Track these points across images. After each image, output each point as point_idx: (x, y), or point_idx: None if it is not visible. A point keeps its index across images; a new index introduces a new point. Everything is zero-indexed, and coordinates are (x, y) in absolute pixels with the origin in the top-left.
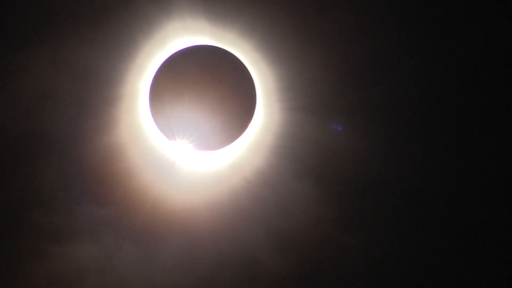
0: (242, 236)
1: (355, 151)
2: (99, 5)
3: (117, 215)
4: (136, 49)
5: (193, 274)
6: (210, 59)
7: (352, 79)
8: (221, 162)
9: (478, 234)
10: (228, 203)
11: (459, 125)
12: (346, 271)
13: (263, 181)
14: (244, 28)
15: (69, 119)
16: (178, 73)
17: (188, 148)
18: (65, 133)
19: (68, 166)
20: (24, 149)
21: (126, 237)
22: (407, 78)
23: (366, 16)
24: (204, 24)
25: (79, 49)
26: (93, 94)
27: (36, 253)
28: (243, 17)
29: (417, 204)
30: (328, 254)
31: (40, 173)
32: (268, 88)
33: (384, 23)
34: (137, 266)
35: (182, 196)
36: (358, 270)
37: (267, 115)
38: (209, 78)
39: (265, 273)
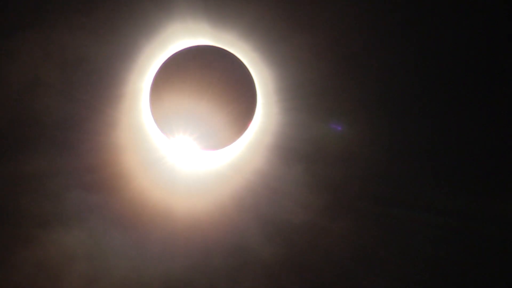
0: (232, 223)
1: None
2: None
3: (106, 202)
4: (137, 50)
5: (182, 261)
6: (210, 59)
7: (352, 79)
8: (220, 162)
9: (464, 219)
10: (219, 191)
11: (448, 114)
12: (335, 257)
13: (257, 171)
14: (244, 29)
15: (59, 106)
16: (179, 73)
17: (189, 148)
18: (54, 120)
19: (57, 153)
20: (12, 135)
21: (115, 223)
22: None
23: (369, 14)
24: (205, 26)
25: (70, 37)
26: (93, 92)
27: (24, 239)
28: (243, 18)
29: (406, 191)
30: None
31: (29, 160)
32: (268, 89)
33: (385, 22)
34: (126, 252)
35: (174, 190)
36: (347, 256)
37: (266, 115)
38: (210, 78)
39: (255, 260)
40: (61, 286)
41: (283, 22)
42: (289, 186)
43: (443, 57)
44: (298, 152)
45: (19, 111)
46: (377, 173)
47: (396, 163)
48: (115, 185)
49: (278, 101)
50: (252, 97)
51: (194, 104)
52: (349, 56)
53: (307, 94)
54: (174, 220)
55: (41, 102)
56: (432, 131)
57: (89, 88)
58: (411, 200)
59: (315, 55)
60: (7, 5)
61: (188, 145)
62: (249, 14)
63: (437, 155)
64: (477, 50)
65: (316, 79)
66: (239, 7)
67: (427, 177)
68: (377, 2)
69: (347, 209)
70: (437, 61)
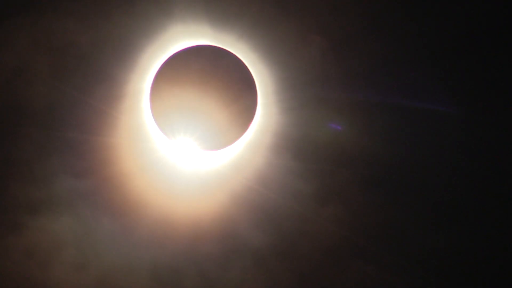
0: (221, 210)
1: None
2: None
3: (95, 188)
4: (138, 51)
5: (171, 247)
6: (211, 59)
7: (351, 79)
8: (219, 162)
9: (455, 202)
10: (211, 181)
11: (436, 99)
12: (325, 243)
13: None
14: (243, 30)
15: (48, 92)
16: (179, 73)
17: (190, 148)
18: (43, 106)
19: (46, 139)
20: (1, 121)
21: (104, 210)
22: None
23: (368, 16)
24: (206, 27)
25: (60, 24)
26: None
27: (13, 226)
28: (243, 19)
29: (394, 176)
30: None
31: (17, 146)
32: (267, 89)
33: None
34: (114, 239)
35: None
36: (336, 242)
37: (265, 115)
38: (210, 78)
39: (244, 247)
40: (50, 272)
41: (283, 22)
42: (281, 176)
43: (433, 44)
44: (295, 147)
45: (7, 97)
46: (366, 159)
47: (387, 148)
48: (104, 170)
49: (277, 101)
50: (253, 98)
51: (194, 105)
52: (349, 56)
53: (305, 94)
54: (173, 219)
55: (30, 88)
56: (422, 114)
57: (77, 74)
58: (399, 186)
59: (314, 56)
60: None
61: (189, 145)
62: (249, 14)
63: (425, 138)
64: (474, 42)
65: (315, 79)
66: (239, 9)
67: (416, 163)
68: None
69: (336, 196)
70: (428, 48)
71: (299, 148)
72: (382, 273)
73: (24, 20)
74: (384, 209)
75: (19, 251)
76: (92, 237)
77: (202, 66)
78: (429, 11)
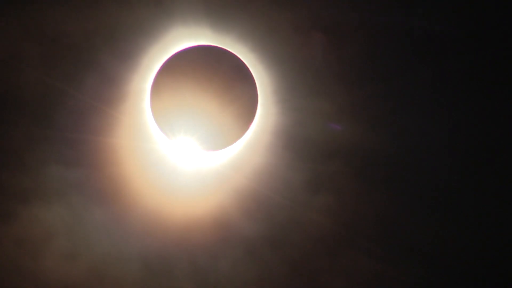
0: (212, 199)
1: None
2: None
3: (86, 177)
4: (140, 52)
5: (162, 237)
6: (211, 59)
7: (350, 80)
8: (219, 162)
9: (447, 192)
10: (207, 176)
11: (428, 88)
12: (315, 233)
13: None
14: (242, 31)
15: (39, 81)
16: (179, 73)
17: (190, 148)
18: (33, 95)
19: (37, 127)
20: None
21: (95, 199)
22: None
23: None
24: (206, 29)
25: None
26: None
27: (3, 215)
28: (242, 21)
29: (386, 165)
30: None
31: (8, 135)
32: (266, 89)
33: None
34: (106, 228)
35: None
36: (327, 232)
37: (264, 115)
38: (210, 78)
39: (235, 236)
40: (41, 262)
41: (282, 23)
42: (274, 167)
43: (425, 32)
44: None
45: None
46: (357, 149)
47: (377, 137)
48: (96, 159)
49: (276, 101)
50: (253, 98)
51: (195, 105)
52: (347, 58)
53: (303, 94)
54: (165, 210)
55: (20, 77)
56: (414, 104)
57: (71, 66)
58: (392, 175)
59: (315, 55)
60: None
61: (189, 145)
62: (248, 15)
63: (418, 129)
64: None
65: (313, 79)
66: (238, 10)
67: (408, 154)
68: None
69: (327, 186)
70: (420, 36)
71: (292, 139)
72: (373, 263)
73: (15, 9)
74: (376, 199)
75: (10, 240)
76: (83, 226)
77: (203, 66)
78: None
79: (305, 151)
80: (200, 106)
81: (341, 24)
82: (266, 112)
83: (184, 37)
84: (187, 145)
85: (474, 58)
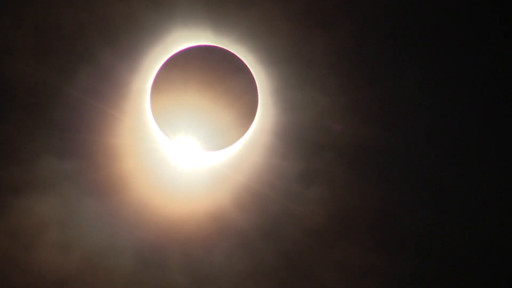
0: (206, 192)
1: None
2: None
3: (79, 169)
4: (141, 53)
5: (156, 229)
6: (212, 59)
7: (348, 81)
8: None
9: (440, 184)
10: (206, 175)
11: (419, 79)
12: (309, 224)
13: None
14: (241, 32)
15: (32, 73)
16: (179, 74)
17: (191, 148)
18: (26, 87)
19: (29, 119)
20: None
21: (88, 191)
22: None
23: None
24: (207, 31)
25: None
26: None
27: None
28: (241, 22)
29: (380, 158)
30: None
31: (0, 127)
32: (265, 90)
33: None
34: (99, 220)
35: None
36: (320, 223)
37: (263, 116)
38: (211, 78)
39: (230, 228)
40: (34, 254)
41: (280, 24)
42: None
43: (417, 21)
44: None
45: None
46: (351, 139)
47: (370, 129)
48: (89, 150)
49: (274, 102)
50: (253, 98)
51: (195, 105)
52: (345, 59)
53: (302, 95)
54: (158, 201)
55: (13, 68)
56: (407, 94)
57: (61, 54)
58: (385, 166)
59: (310, 58)
60: None
61: (189, 146)
62: (247, 17)
63: (413, 117)
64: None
65: (311, 80)
66: (237, 12)
67: (401, 140)
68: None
69: (320, 177)
70: (412, 26)
71: (285, 131)
72: (367, 255)
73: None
74: (369, 191)
75: (3, 232)
76: (77, 218)
77: (203, 66)
78: None
79: (299, 143)
80: (200, 106)
81: (336, 16)
82: (266, 112)
83: (185, 38)
84: (187, 145)
85: (467, 49)
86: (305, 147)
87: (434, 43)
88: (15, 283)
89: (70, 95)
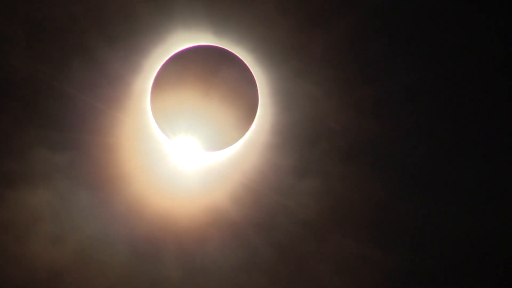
0: (198, 186)
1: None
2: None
3: (72, 161)
4: (142, 54)
5: (149, 220)
6: (212, 60)
7: (346, 81)
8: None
9: (434, 175)
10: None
11: (413, 71)
12: (302, 216)
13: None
14: (241, 33)
15: (25, 65)
16: (180, 74)
17: (191, 148)
18: (20, 79)
19: (23, 111)
20: None
21: (81, 183)
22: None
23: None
24: (207, 33)
25: None
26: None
27: None
28: (240, 23)
29: (374, 149)
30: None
31: None
32: (265, 90)
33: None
34: (92, 212)
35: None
36: (313, 216)
37: (264, 116)
38: (211, 78)
39: (223, 219)
40: (27, 246)
41: (279, 25)
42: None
43: (414, 15)
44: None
45: None
46: (344, 131)
47: (364, 120)
48: (82, 142)
49: (273, 103)
50: (254, 98)
51: (195, 105)
52: (343, 60)
53: (300, 95)
54: (151, 193)
55: (7, 61)
56: (400, 87)
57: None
58: (379, 158)
59: (309, 59)
60: None
61: (190, 146)
62: (246, 18)
63: (405, 111)
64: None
65: (309, 81)
66: (236, 13)
67: (395, 133)
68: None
69: (314, 169)
70: (409, 21)
71: (279, 124)
72: (360, 247)
73: None
74: (363, 183)
75: None
76: (70, 210)
77: (203, 66)
78: None
79: (292, 135)
80: (201, 106)
81: (329, 7)
82: (266, 112)
83: (186, 39)
84: (188, 145)
85: (460, 38)
86: (299, 140)
87: (431, 38)
88: (8, 275)
89: (64, 89)
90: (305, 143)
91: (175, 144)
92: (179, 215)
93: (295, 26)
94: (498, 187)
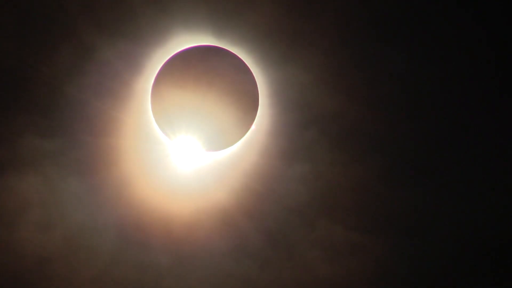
0: (205, 191)
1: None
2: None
3: (61, 148)
4: (144, 55)
5: (138, 206)
6: (213, 59)
7: (344, 82)
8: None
9: (423, 161)
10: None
11: (403, 59)
12: (291, 203)
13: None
14: (240, 34)
15: (13, 51)
16: (180, 74)
17: (191, 148)
18: (8, 65)
19: (12, 98)
20: None
21: (70, 170)
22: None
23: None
24: (208, 35)
25: None
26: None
27: None
28: (239, 24)
29: (363, 135)
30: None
31: None
32: (264, 91)
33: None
34: (80, 199)
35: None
36: (302, 202)
37: (264, 116)
38: (211, 79)
39: (212, 206)
40: (16, 233)
41: (278, 26)
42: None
43: (405, 2)
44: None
45: None
46: (333, 117)
47: (353, 107)
48: (72, 129)
49: (272, 103)
50: (254, 98)
51: (195, 105)
52: (342, 61)
53: (299, 96)
54: (140, 180)
55: None
56: (392, 74)
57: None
58: (368, 145)
59: (307, 60)
60: None
61: (190, 146)
62: (245, 19)
63: (394, 98)
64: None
65: (308, 82)
66: (235, 14)
67: (384, 119)
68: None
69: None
70: (400, 6)
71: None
72: (349, 233)
73: None
74: (352, 169)
75: None
76: (59, 197)
77: (203, 67)
78: None
79: (282, 120)
80: (201, 106)
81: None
82: (265, 112)
83: (186, 39)
84: (188, 145)
85: (450, 24)
86: (288, 125)
87: (421, 23)
88: None
89: (52, 75)
90: (294, 129)
91: (175, 144)
92: (168, 201)
93: (295, 26)
94: (489, 172)
